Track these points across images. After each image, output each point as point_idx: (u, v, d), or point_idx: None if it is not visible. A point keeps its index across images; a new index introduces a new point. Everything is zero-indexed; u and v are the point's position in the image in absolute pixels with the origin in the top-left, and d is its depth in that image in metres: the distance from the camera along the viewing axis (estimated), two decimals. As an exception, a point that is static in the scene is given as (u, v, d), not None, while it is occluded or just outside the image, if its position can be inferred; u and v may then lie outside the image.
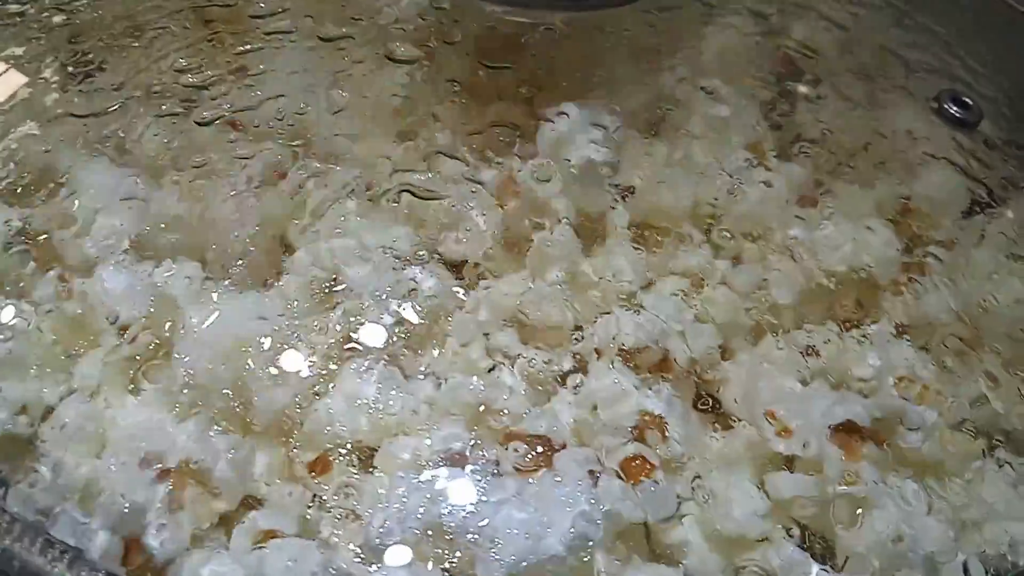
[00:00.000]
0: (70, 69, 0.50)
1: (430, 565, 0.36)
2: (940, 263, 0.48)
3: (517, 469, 0.38)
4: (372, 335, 0.42)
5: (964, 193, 0.50)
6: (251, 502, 0.39)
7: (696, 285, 0.45)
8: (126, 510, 0.37)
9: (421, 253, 0.44)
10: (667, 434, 0.39)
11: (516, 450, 0.38)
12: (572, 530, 0.36)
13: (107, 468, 0.39)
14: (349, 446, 0.39)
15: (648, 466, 0.38)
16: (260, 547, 0.37)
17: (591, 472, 0.38)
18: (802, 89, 0.54)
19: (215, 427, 0.39)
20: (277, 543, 0.37)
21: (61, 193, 0.45)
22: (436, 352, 0.42)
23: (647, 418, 0.40)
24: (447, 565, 0.36)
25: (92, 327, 0.42)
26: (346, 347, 0.41)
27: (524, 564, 0.35)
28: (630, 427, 0.39)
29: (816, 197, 0.49)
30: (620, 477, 0.38)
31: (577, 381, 0.41)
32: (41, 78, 0.50)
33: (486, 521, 0.36)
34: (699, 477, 0.40)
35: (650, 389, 0.40)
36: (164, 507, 0.37)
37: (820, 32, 0.55)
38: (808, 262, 0.47)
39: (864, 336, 0.45)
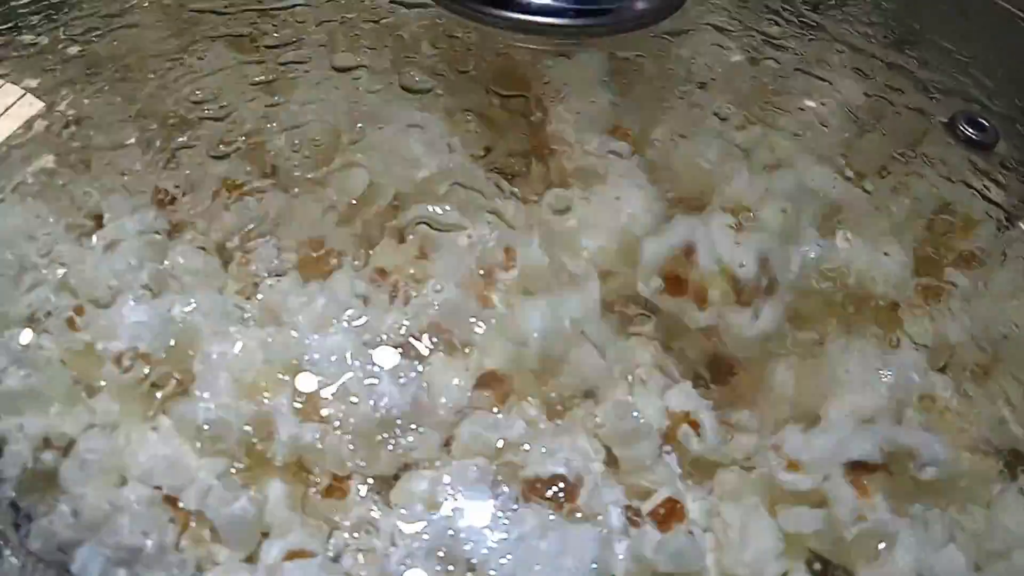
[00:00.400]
0: (86, 101, 0.50)
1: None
2: (957, 287, 0.48)
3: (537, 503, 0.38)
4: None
5: (982, 215, 0.50)
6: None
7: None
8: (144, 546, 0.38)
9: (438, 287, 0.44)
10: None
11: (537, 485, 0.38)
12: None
13: (126, 503, 0.39)
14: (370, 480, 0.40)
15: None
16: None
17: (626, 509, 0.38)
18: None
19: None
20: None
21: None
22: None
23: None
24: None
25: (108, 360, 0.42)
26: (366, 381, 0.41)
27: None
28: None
29: (832, 223, 0.49)
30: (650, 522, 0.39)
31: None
32: (57, 111, 0.50)
33: (507, 556, 0.37)
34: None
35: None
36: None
37: (832, 54, 0.55)
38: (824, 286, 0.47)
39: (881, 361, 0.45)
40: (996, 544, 0.41)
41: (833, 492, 0.39)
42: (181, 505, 0.38)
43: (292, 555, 0.38)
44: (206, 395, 0.40)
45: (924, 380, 0.45)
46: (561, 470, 0.39)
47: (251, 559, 0.39)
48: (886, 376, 0.44)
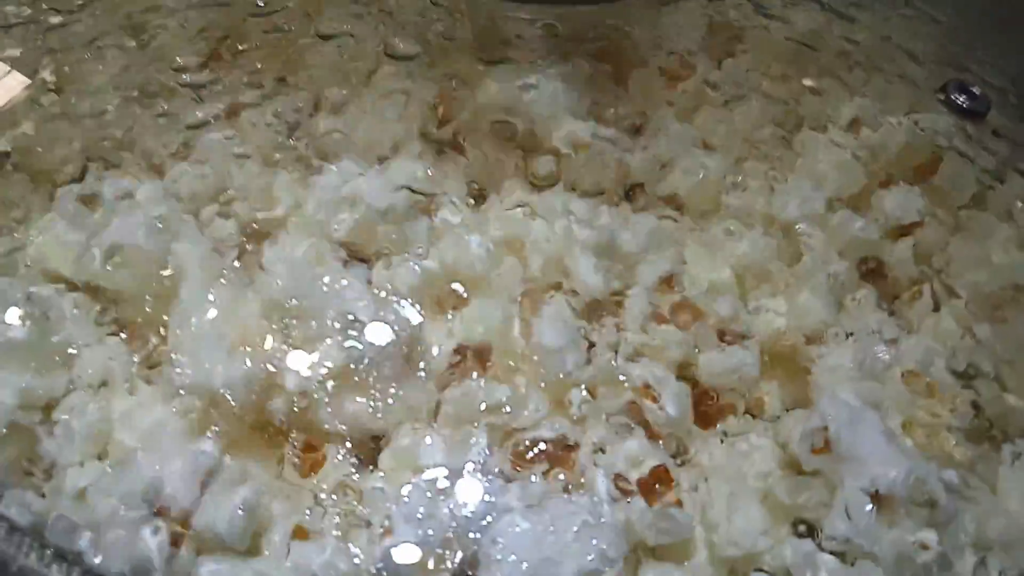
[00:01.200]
0: (66, 69, 0.50)
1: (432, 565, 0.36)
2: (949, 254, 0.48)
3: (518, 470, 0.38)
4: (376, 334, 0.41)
5: (973, 183, 0.49)
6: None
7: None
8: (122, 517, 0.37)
9: (419, 250, 0.43)
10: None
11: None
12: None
13: (105, 474, 0.38)
14: (349, 445, 0.39)
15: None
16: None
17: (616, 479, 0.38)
18: (807, 82, 0.53)
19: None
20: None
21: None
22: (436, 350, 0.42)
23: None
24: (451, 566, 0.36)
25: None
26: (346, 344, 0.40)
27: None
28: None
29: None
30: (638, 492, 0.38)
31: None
32: (40, 78, 0.50)
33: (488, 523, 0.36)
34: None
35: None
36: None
37: (824, 23, 0.54)
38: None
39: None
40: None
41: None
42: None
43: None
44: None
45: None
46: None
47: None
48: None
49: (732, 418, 0.42)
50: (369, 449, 0.40)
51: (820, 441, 0.39)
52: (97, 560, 0.35)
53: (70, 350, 0.41)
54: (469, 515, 0.37)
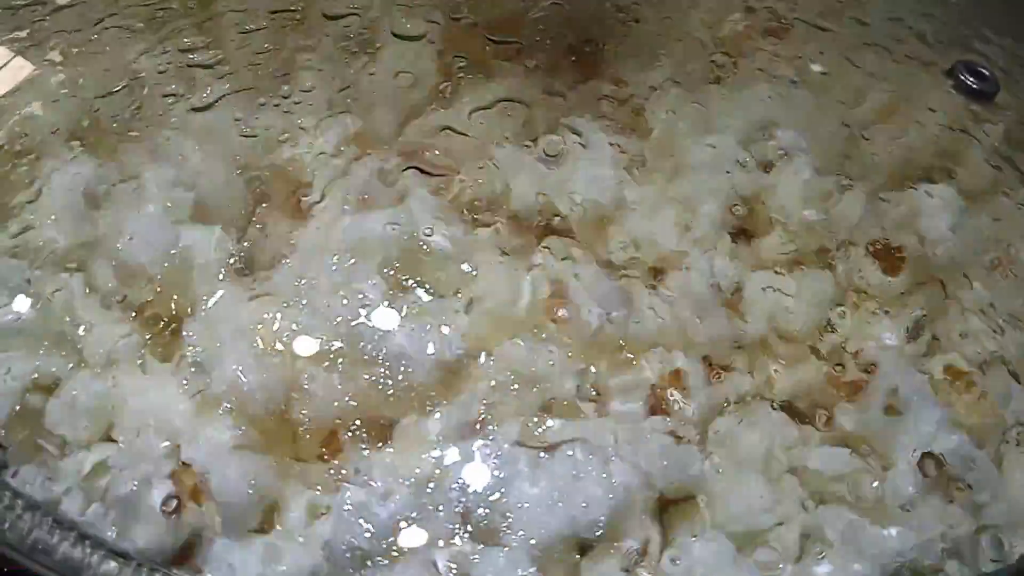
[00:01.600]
0: (75, 50, 0.50)
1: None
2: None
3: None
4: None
5: (982, 164, 0.49)
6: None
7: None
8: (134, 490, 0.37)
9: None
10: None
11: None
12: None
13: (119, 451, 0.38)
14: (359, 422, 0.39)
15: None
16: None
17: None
18: (814, 67, 0.53)
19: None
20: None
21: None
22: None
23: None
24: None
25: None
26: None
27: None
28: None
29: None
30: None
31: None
32: (47, 60, 0.50)
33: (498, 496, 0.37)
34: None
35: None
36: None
37: (830, 2, 0.54)
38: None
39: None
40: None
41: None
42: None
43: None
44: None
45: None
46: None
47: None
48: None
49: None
50: (380, 426, 0.40)
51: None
52: (110, 535, 0.35)
53: (80, 331, 0.41)
54: (479, 489, 0.37)
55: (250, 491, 0.37)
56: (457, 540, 0.36)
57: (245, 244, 0.44)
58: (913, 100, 0.51)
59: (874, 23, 0.54)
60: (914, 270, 0.45)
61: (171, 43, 0.49)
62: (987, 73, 0.51)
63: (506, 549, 0.36)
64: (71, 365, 0.40)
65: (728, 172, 0.47)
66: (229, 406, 0.39)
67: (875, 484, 0.40)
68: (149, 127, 0.47)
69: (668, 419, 0.40)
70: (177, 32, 0.49)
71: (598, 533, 0.37)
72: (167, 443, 0.38)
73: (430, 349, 0.40)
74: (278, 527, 0.37)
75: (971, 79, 0.51)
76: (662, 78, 0.50)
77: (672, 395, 0.41)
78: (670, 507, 0.39)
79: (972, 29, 0.54)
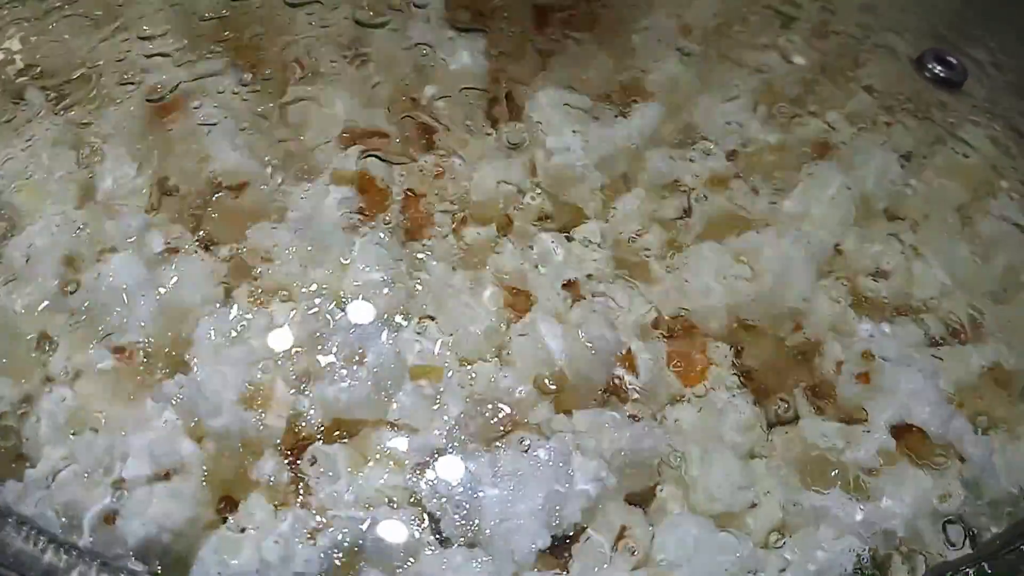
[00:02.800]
0: (33, 39, 0.49)
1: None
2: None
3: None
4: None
5: (949, 153, 0.49)
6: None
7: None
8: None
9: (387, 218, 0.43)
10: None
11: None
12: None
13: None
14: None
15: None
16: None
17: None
18: (795, 59, 0.53)
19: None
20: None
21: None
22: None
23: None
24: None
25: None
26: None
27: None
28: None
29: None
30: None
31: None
32: (3, 48, 0.49)
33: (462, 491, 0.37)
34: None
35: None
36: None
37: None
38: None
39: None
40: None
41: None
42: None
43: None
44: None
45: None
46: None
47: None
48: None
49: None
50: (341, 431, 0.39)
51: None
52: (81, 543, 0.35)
53: (45, 344, 0.41)
54: (444, 485, 0.37)
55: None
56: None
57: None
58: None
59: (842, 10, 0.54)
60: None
61: (131, 32, 0.49)
62: (955, 61, 0.51)
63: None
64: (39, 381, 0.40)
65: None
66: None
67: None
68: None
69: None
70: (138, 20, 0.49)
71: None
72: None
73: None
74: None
75: (939, 67, 0.51)
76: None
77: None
78: (642, 492, 0.39)
79: (941, 17, 0.54)
